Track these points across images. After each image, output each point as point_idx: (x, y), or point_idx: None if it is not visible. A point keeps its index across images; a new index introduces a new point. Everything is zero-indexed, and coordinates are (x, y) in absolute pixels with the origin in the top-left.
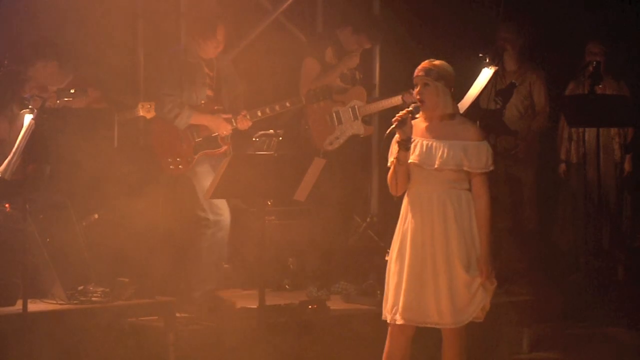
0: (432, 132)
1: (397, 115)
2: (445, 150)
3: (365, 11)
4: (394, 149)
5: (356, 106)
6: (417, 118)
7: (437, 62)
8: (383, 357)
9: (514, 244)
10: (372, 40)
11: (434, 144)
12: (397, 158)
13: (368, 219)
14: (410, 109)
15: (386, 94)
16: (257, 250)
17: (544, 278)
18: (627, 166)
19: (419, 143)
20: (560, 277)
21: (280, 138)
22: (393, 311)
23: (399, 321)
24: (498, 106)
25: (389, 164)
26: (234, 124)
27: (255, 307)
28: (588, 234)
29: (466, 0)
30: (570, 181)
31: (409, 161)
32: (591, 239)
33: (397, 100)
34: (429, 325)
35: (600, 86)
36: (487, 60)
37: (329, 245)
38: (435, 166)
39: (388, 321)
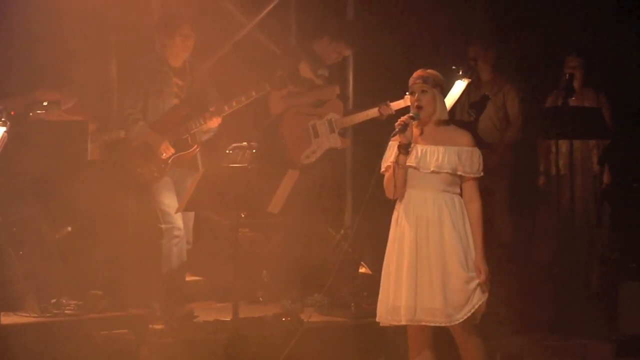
0: (428, 137)
1: (399, 120)
2: (441, 155)
3: (340, 19)
4: (389, 153)
5: (333, 119)
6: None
7: (430, 70)
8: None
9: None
10: (351, 47)
11: (430, 148)
12: (396, 162)
13: (342, 231)
14: (412, 114)
15: (360, 105)
16: (230, 263)
17: (518, 290)
18: (605, 178)
19: (415, 147)
20: (534, 288)
21: (254, 150)
22: (395, 313)
23: (403, 322)
24: (472, 118)
25: (382, 170)
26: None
27: (229, 319)
28: (565, 245)
29: (439, 12)
30: (550, 193)
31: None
32: (568, 251)
33: (373, 112)
34: (424, 324)
35: (573, 98)
36: (461, 73)
37: (303, 258)
38: (432, 169)
39: (387, 324)
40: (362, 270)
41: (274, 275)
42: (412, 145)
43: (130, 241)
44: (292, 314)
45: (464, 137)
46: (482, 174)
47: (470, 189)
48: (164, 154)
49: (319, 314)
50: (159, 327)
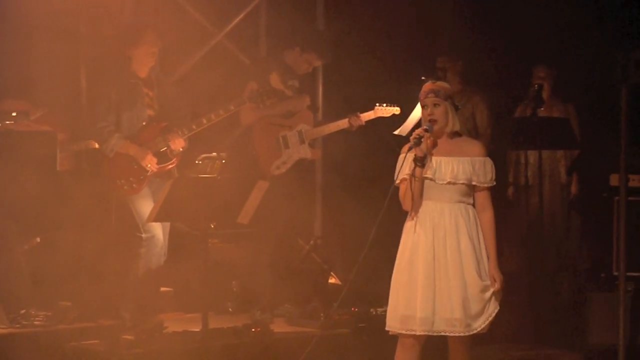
0: (442, 148)
1: (414, 133)
2: (456, 166)
3: (311, 29)
4: (403, 166)
5: (303, 130)
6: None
7: (440, 82)
8: None
9: None
10: (322, 58)
11: (444, 159)
12: (412, 174)
13: (311, 242)
14: (426, 127)
15: (330, 116)
16: (200, 273)
17: None
18: (574, 188)
19: (431, 159)
20: (503, 299)
21: (224, 161)
22: (409, 322)
23: (418, 332)
24: None
25: (397, 182)
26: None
27: (198, 330)
28: (534, 256)
29: (409, 22)
30: (519, 203)
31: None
32: (537, 261)
33: (343, 123)
34: (441, 334)
35: (542, 109)
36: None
37: (273, 268)
38: (448, 180)
39: (397, 332)
40: (331, 280)
41: (244, 286)
42: (428, 157)
43: (101, 251)
44: (262, 324)
45: (477, 147)
46: (494, 183)
47: (483, 198)
48: (150, 166)
49: (289, 325)
50: (128, 337)
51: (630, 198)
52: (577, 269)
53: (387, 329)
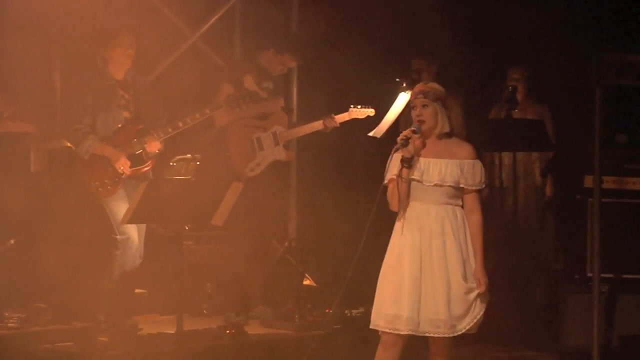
0: (431, 150)
1: (402, 134)
2: (444, 168)
3: (285, 30)
4: (393, 166)
5: (277, 132)
6: (418, 136)
7: (431, 84)
8: None
9: None
10: (296, 59)
11: (433, 161)
12: (399, 175)
13: (286, 244)
14: (414, 128)
15: (304, 118)
16: (174, 275)
17: None
18: (548, 190)
19: (418, 160)
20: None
21: (198, 163)
22: (394, 322)
23: (403, 332)
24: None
25: (386, 182)
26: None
27: (173, 332)
28: (508, 257)
29: (384, 24)
30: (494, 205)
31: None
32: (511, 262)
33: (318, 125)
34: (426, 335)
35: (517, 110)
36: (404, 85)
37: (247, 270)
38: (435, 182)
39: (382, 331)
40: (306, 282)
41: (218, 288)
42: (415, 158)
43: (76, 253)
44: (237, 326)
45: (466, 149)
46: (484, 185)
47: (472, 200)
48: (123, 169)
49: (263, 327)
50: (103, 339)
51: (604, 199)
52: (551, 270)
53: (371, 327)
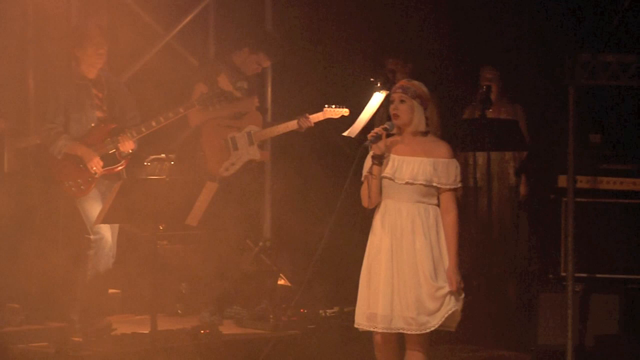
0: (406, 148)
1: (373, 131)
2: (416, 166)
3: (259, 30)
4: (368, 164)
5: (252, 131)
6: (391, 135)
7: (415, 81)
8: None
9: None
10: (271, 58)
11: (406, 159)
12: (370, 172)
13: (261, 244)
14: (386, 125)
15: (278, 118)
16: (149, 275)
17: None
18: (522, 190)
19: (391, 158)
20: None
21: (172, 162)
22: (372, 320)
23: (379, 329)
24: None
25: (362, 178)
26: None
27: (147, 332)
28: (483, 257)
29: (358, 24)
30: (468, 205)
31: (382, 175)
32: (486, 262)
33: (292, 124)
34: (399, 331)
35: (491, 110)
36: (379, 85)
37: (222, 270)
38: (406, 180)
39: (363, 329)
40: (281, 282)
41: (193, 288)
42: (390, 155)
43: (49, 253)
44: (211, 326)
45: (442, 148)
46: (459, 185)
47: (447, 199)
48: (95, 169)
49: (238, 326)
50: (77, 339)
51: (578, 199)
52: (525, 270)
53: (355, 325)
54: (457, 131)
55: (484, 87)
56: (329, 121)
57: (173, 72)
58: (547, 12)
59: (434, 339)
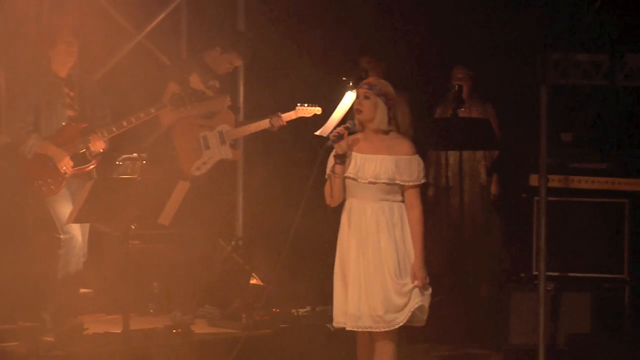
0: (368, 145)
1: (335, 130)
2: (378, 164)
3: (231, 29)
4: (331, 162)
5: (224, 130)
6: (354, 134)
7: (381, 80)
8: None
9: None
10: (243, 57)
11: (368, 158)
12: (332, 171)
13: (233, 243)
14: (348, 125)
15: (251, 117)
16: (121, 275)
17: None
18: (493, 189)
19: (354, 156)
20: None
21: (144, 162)
22: (343, 317)
23: (348, 327)
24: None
25: (326, 176)
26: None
27: (119, 331)
28: (455, 256)
29: (331, 23)
30: (440, 204)
31: (345, 174)
32: (458, 261)
33: (264, 123)
34: (368, 330)
35: (463, 109)
36: (350, 84)
37: (194, 269)
38: (369, 179)
39: (340, 327)
40: (253, 281)
41: (165, 287)
42: (353, 154)
43: (20, 252)
44: (183, 325)
45: (404, 145)
46: (423, 181)
47: (410, 196)
48: (65, 169)
49: (210, 326)
50: (48, 339)
51: (549, 198)
52: (497, 269)
53: (334, 324)
54: (429, 130)
55: (456, 86)
56: (301, 120)
57: (145, 72)
58: (518, 12)
59: (408, 339)
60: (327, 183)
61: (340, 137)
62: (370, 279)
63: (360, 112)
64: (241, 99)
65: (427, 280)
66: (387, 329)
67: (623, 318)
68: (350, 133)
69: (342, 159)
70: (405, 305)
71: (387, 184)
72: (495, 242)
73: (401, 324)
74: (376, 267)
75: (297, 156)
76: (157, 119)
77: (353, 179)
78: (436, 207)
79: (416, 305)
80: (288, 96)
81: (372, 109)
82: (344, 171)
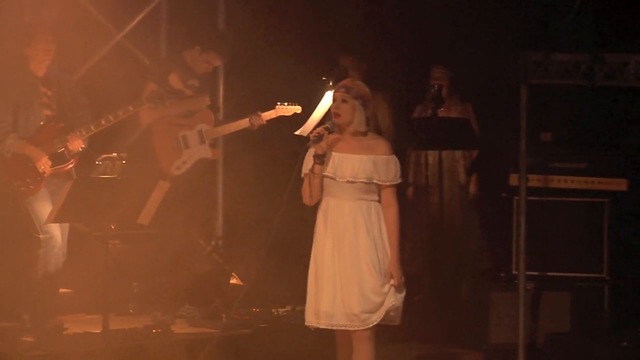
0: (346, 145)
1: (315, 131)
2: (356, 164)
3: (211, 28)
4: (309, 162)
5: (203, 130)
6: (332, 133)
7: (357, 82)
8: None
9: None
10: (222, 57)
11: (346, 157)
12: (312, 171)
13: (213, 243)
14: (327, 125)
15: (230, 116)
16: (100, 275)
17: None
18: (472, 188)
19: (332, 156)
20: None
21: (124, 161)
22: (317, 316)
23: (322, 326)
24: None
25: (302, 175)
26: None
27: (99, 331)
28: (434, 256)
29: (311, 22)
30: (419, 204)
31: (323, 174)
32: (437, 261)
33: (244, 122)
34: (342, 328)
35: (443, 109)
36: (330, 84)
37: (174, 269)
38: (347, 178)
39: (313, 326)
40: (233, 281)
41: (145, 287)
42: (329, 153)
43: None
44: (163, 325)
45: (381, 145)
46: (399, 180)
47: (387, 195)
48: (43, 168)
49: (190, 326)
50: (28, 339)
51: (529, 198)
52: (477, 268)
53: (306, 323)
54: (409, 130)
55: (435, 86)
56: (281, 119)
57: (124, 71)
58: (499, 11)
59: (388, 338)
60: (305, 182)
61: (320, 137)
62: (347, 277)
63: (339, 116)
64: (221, 98)
65: (403, 280)
66: (361, 328)
67: (602, 317)
68: (329, 133)
69: (322, 159)
70: (381, 304)
71: (365, 183)
72: (474, 241)
73: (375, 323)
74: (353, 265)
75: (277, 155)
76: (137, 119)
77: (331, 177)
78: (416, 207)
79: (390, 305)
80: (268, 95)
81: (350, 112)
82: (322, 171)
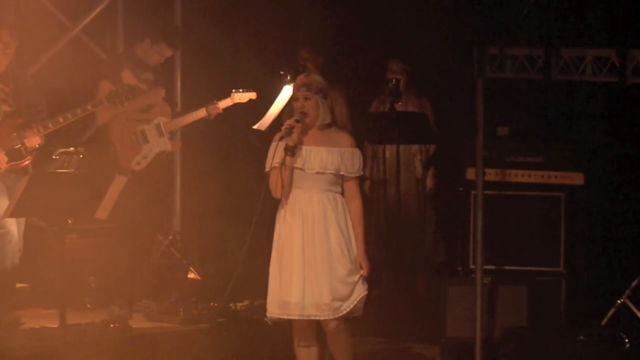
0: (311, 138)
1: (286, 123)
2: (324, 156)
3: (159, 20)
4: (272, 154)
5: (161, 123)
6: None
7: (312, 76)
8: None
9: None
10: (173, 47)
11: (313, 149)
12: (283, 163)
13: (170, 237)
14: (297, 117)
15: (188, 107)
16: (57, 269)
17: None
18: (429, 183)
19: (301, 149)
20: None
21: (81, 156)
22: (284, 307)
23: (292, 316)
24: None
25: (267, 169)
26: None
27: (56, 326)
28: (391, 250)
29: (267, 17)
30: (376, 198)
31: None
32: (394, 255)
33: (201, 112)
34: (312, 318)
35: (400, 103)
36: (288, 78)
37: (131, 264)
38: (316, 170)
39: (276, 317)
40: (191, 275)
41: (102, 282)
42: (301, 146)
43: None
44: (120, 320)
45: (345, 138)
46: (362, 173)
47: (351, 187)
48: None
49: (147, 320)
50: None
51: (486, 192)
52: (433, 262)
53: (267, 314)
54: (367, 124)
55: (393, 80)
56: (239, 114)
57: (81, 66)
58: (455, 5)
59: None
60: (273, 174)
61: (291, 129)
62: (317, 267)
63: (307, 115)
64: (178, 91)
65: (370, 270)
66: (331, 317)
67: (559, 311)
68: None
69: (293, 151)
70: (352, 293)
71: (334, 174)
72: (431, 235)
73: (346, 311)
74: (323, 255)
75: (234, 151)
76: (93, 116)
77: (300, 169)
78: (373, 201)
79: (361, 296)
80: (226, 86)
81: (315, 108)
82: (293, 163)
